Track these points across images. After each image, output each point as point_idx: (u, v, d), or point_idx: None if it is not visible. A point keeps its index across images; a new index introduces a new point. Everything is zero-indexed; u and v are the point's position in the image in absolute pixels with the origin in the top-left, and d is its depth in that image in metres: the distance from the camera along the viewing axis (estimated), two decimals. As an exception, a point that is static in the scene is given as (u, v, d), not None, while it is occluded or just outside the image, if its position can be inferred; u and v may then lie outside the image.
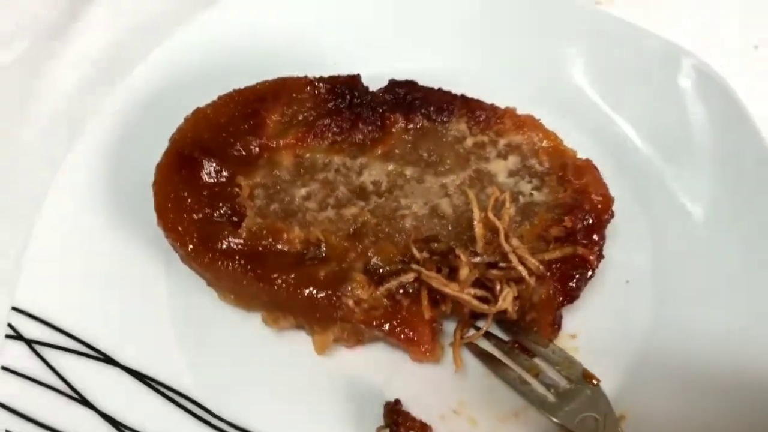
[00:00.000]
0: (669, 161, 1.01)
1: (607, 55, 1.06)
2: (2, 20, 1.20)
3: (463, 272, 0.84)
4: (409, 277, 0.83)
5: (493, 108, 0.97)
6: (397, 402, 0.83)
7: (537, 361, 0.86)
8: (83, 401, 0.83)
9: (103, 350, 0.86)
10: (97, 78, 1.14)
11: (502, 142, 0.95)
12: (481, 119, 0.97)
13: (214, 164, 0.92)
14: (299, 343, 0.88)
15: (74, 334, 0.87)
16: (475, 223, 0.87)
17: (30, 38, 1.19)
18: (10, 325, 0.85)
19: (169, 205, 0.89)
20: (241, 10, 1.12)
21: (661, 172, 1.01)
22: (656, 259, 0.95)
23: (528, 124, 0.96)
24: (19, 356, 0.84)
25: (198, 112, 0.96)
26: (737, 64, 1.12)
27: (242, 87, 0.99)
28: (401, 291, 0.84)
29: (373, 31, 1.12)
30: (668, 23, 1.15)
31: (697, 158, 1.00)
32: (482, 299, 0.84)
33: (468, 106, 0.97)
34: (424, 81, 0.99)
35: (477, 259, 0.85)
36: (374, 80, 1.00)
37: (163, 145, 0.94)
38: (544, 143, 0.95)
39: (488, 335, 0.88)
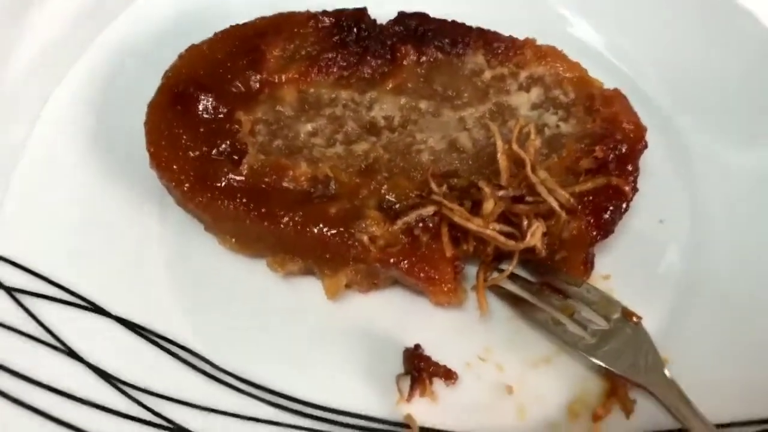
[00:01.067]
0: (699, 105, 0.94)
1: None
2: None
3: (487, 205, 0.77)
4: (429, 210, 0.76)
5: (511, 39, 0.90)
6: (418, 347, 0.76)
7: (570, 301, 0.78)
8: (69, 352, 0.75)
9: (91, 299, 0.78)
10: (83, 23, 1.06)
11: (523, 74, 0.88)
12: (499, 51, 0.90)
13: (211, 100, 0.85)
14: (308, 288, 0.81)
15: (59, 282, 0.79)
16: (499, 155, 0.79)
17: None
18: (-11, 273, 0.77)
19: (163, 143, 0.82)
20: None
21: (692, 114, 0.94)
22: (692, 198, 0.88)
23: (550, 54, 0.89)
24: (-1, 305, 0.76)
25: (193, 48, 0.89)
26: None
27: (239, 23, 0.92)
28: (420, 226, 0.76)
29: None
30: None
31: (730, 103, 0.93)
32: (508, 235, 0.77)
33: (485, 38, 0.91)
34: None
35: (502, 192, 0.78)
36: (381, 17, 0.93)
37: (156, 85, 0.87)
38: (569, 74, 0.88)
39: (514, 276, 0.81)
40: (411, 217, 0.76)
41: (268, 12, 0.93)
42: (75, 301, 0.78)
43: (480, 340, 0.78)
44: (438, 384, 0.75)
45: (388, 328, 0.79)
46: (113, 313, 0.78)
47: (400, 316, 0.80)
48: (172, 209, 0.84)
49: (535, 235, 0.76)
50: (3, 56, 1.04)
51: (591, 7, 1.01)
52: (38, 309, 0.77)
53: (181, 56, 0.89)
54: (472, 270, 0.82)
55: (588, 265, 0.80)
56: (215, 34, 0.91)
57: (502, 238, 0.76)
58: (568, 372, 0.77)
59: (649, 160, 0.86)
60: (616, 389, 0.74)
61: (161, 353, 0.77)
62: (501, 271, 0.81)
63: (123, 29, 0.98)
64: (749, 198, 0.85)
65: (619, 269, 0.83)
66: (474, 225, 0.76)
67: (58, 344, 0.75)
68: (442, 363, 0.75)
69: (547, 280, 0.80)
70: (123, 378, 0.74)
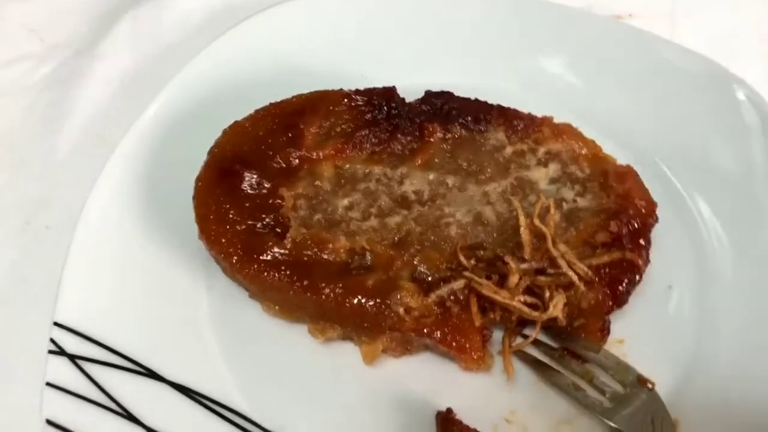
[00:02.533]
0: (702, 172, 1.01)
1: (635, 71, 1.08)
2: (33, 38, 1.20)
3: (513, 279, 0.83)
4: (460, 283, 0.83)
5: (530, 117, 0.98)
6: (450, 411, 0.82)
7: (588, 367, 0.85)
8: (129, 417, 0.81)
9: (146, 365, 0.84)
10: (128, 95, 1.13)
11: (542, 150, 0.96)
12: (519, 128, 0.97)
13: (255, 176, 0.92)
14: (346, 354, 0.87)
15: (117, 349, 0.85)
16: (522, 229, 0.86)
17: (59, 57, 1.19)
18: (52, 340, 0.83)
19: (211, 217, 0.89)
20: (268, 28, 1.13)
21: (694, 182, 1.01)
22: (698, 264, 0.94)
23: (566, 132, 0.96)
24: (62, 372, 0.82)
25: (236, 125, 0.96)
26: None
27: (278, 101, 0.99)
28: (451, 298, 0.83)
29: (399, 46, 1.12)
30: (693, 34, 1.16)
31: (729, 172, 1.00)
32: (532, 306, 0.84)
33: (505, 116, 0.98)
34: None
35: (525, 266, 0.84)
36: (408, 93, 1.00)
37: (200, 160, 0.94)
38: (584, 150, 0.95)
39: (537, 343, 0.87)
40: (443, 290, 0.83)
41: (304, 90, 1.00)
42: (131, 366, 0.84)
43: (506, 403, 0.84)
44: (469, 445, 0.81)
45: (420, 392, 0.85)
46: (167, 378, 0.84)
47: (431, 380, 0.86)
48: (219, 278, 0.91)
49: (557, 307, 0.83)
50: (54, 125, 1.12)
51: (604, 84, 1.08)
52: (98, 375, 0.83)
53: (224, 132, 0.95)
54: (497, 335, 0.88)
55: (605, 332, 0.86)
56: (256, 111, 0.98)
57: (527, 310, 0.83)
58: (588, 432, 0.83)
59: (659, 229, 0.93)
60: (633, 448, 0.81)
61: (211, 415, 0.82)
62: (525, 336, 0.87)
63: (166, 105, 1.04)
64: (754, 268, 0.92)
65: (631, 334, 0.89)
66: (501, 297, 0.82)
67: (118, 409, 0.81)
68: (472, 426, 0.81)
69: (567, 345, 0.87)
70: (179, 440, 0.80)
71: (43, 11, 1.25)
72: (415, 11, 1.14)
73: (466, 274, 0.82)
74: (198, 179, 0.92)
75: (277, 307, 0.88)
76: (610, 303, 0.85)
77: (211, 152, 0.94)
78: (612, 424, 0.79)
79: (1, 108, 1.14)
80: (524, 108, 0.99)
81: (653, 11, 1.24)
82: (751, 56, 1.17)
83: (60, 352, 0.83)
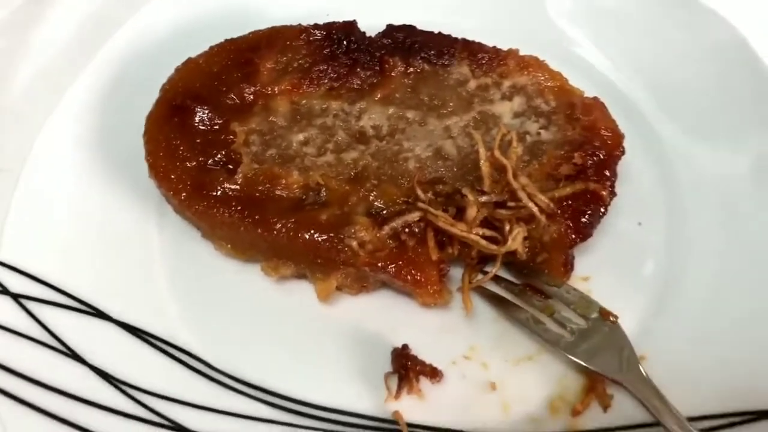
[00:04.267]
0: (674, 110, 0.98)
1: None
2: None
3: (471, 211, 0.80)
4: (415, 215, 0.80)
5: (495, 50, 0.94)
6: (405, 347, 0.79)
7: (550, 302, 0.82)
8: (73, 355, 0.78)
9: (93, 304, 0.81)
10: (84, 38, 1.09)
11: (506, 83, 0.92)
12: (483, 61, 0.93)
13: (207, 112, 0.89)
14: (301, 291, 0.85)
15: (62, 288, 0.82)
16: (482, 162, 0.83)
17: (13, 3, 1.15)
18: (-5, 279, 0.81)
19: (161, 154, 0.86)
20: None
21: (668, 120, 0.97)
22: (668, 201, 0.91)
23: (532, 64, 0.93)
24: (5, 311, 0.80)
25: (189, 61, 0.93)
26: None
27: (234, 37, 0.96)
28: (406, 231, 0.80)
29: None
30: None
31: (708, 109, 0.96)
32: (491, 239, 0.81)
33: (469, 49, 0.94)
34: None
35: (484, 198, 0.81)
36: (370, 29, 0.96)
37: (154, 98, 0.90)
38: (550, 83, 0.91)
39: (497, 279, 0.84)
40: (397, 222, 0.80)
41: (261, 26, 0.97)
42: (78, 306, 0.81)
43: (465, 340, 0.82)
44: (425, 382, 0.78)
45: (377, 328, 0.82)
46: (114, 317, 0.81)
47: (388, 317, 0.83)
48: (170, 217, 0.88)
49: (516, 240, 0.80)
50: (7, 70, 1.08)
51: (576, 17, 1.04)
52: (43, 314, 0.80)
53: (177, 69, 0.92)
54: (457, 272, 0.85)
55: (568, 266, 0.83)
56: (210, 48, 0.94)
57: (484, 243, 0.80)
58: (549, 370, 0.80)
59: (629, 166, 0.90)
60: (594, 385, 0.78)
61: (160, 355, 0.80)
62: (485, 273, 0.84)
63: (121, 44, 1.02)
64: (725, 201, 0.89)
65: (598, 271, 0.86)
66: (458, 230, 0.79)
67: (62, 348, 0.78)
68: (428, 362, 0.79)
69: (529, 281, 0.84)
70: (124, 379, 0.77)
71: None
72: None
73: (421, 205, 0.79)
74: (149, 116, 0.89)
75: (229, 246, 0.85)
76: (573, 236, 0.82)
77: (162, 89, 0.91)
78: (573, 358, 0.76)
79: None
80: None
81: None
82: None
83: (2, 291, 0.80)
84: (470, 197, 0.80)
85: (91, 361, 0.78)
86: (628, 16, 1.03)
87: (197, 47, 0.95)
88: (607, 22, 1.03)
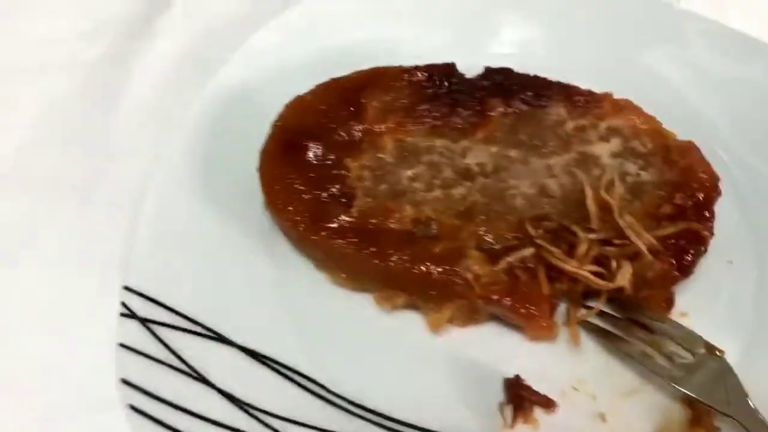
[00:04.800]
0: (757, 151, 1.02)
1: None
2: (83, 18, 1.21)
3: (581, 248, 0.84)
4: (530, 250, 0.83)
5: (590, 93, 0.99)
6: (518, 377, 0.82)
7: (655, 336, 0.85)
8: (201, 379, 0.81)
9: (215, 329, 0.85)
10: (184, 72, 1.14)
11: (603, 125, 0.96)
12: (579, 104, 0.98)
13: (319, 148, 0.93)
14: (412, 322, 0.88)
15: (186, 313, 0.85)
16: (588, 200, 0.87)
17: (111, 35, 1.20)
18: (123, 304, 0.84)
19: (278, 187, 0.90)
20: (329, 6, 1.14)
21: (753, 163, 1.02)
22: (756, 240, 0.95)
23: (627, 108, 0.97)
24: (134, 335, 0.83)
25: (299, 99, 0.97)
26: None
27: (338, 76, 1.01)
28: (520, 266, 0.84)
29: (458, 26, 1.14)
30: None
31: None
32: (599, 275, 0.84)
33: (565, 92, 0.99)
34: (513, 71, 1.01)
35: (592, 236, 0.85)
36: (466, 71, 1.01)
37: (263, 134, 0.95)
38: (645, 126, 0.96)
39: (601, 313, 0.87)
40: (513, 257, 0.83)
41: (364, 66, 1.02)
42: (201, 331, 0.85)
43: (573, 372, 0.85)
44: (538, 412, 0.81)
45: (487, 359, 0.85)
46: (236, 341, 0.84)
47: (497, 348, 0.86)
48: (283, 250, 0.92)
49: (624, 276, 0.84)
50: (109, 101, 1.13)
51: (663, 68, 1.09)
52: (168, 338, 0.83)
53: (287, 106, 0.97)
54: (562, 307, 0.88)
55: (670, 303, 0.87)
56: (317, 86, 0.99)
57: (594, 279, 0.83)
58: (655, 402, 0.83)
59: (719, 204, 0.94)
60: (700, 418, 0.81)
61: (280, 378, 0.83)
62: (589, 307, 0.88)
63: (226, 80, 1.05)
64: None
65: (695, 307, 0.89)
66: (570, 266, 0.83)
67: (189, 370, 0.82)
68: (541, 392, 0.82)
69: (632, 315, 0.87)
70: (250, 402, 0.80)
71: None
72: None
73: (537, 241, 0.83)
74: (263, 151, 0.93)
75: (344, 276, 0.89)
76: (676, 273, 0.85)
77: (274, 125, 0.95)
78: (684, 390, 0.79)
79: (54, 84, 1.14)
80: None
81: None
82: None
83: (131, 315, 0.84)
84: (581, 234, 0.84)
85: (217, 384, 0.81)
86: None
87: (300, 86, 0.99)
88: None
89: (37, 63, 1.17)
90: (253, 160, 0.93)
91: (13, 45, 1.20)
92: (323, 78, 1.01)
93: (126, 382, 0.80)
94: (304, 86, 1.00)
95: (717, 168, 0.96)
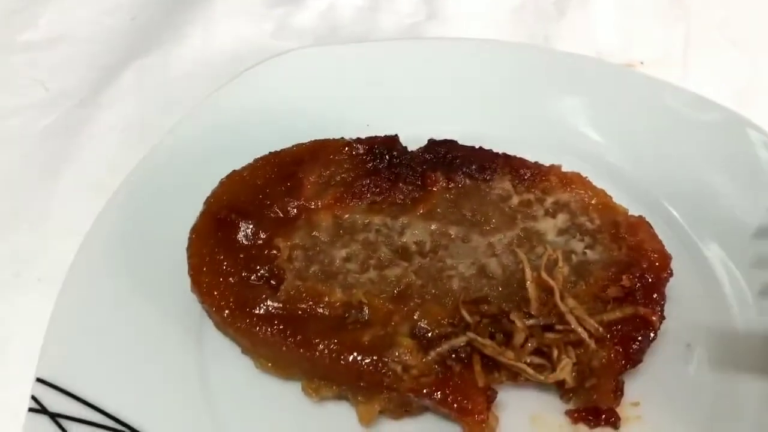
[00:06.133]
0: (718, 221, 0.97)
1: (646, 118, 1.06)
2: (35, 88, 1.20)
3: (519, 338, 0.79)
4: (461, 340, 0.78)
5: (537, 166, 0.94)
6: (451, 478, 0.76)
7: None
8: (111, 480, 0.76)
9: (132, 425, 0.80)
10: (130, 144, 1.12)
11: (549, 200, 0.92)
12: (525, 177, 0.94)
13: (251, 226, 0.89)
14: (342, 414, 0.83)
15: (101, 407, 0.81)
16: (528, 283, 0.82)
17: (64, 106, 1.18)
18: (33, 398, 0.80)
19: (205, 269, 0.86)
20: (271, 78, 1.11)
21: (710, 232, 0.97)
22: (717, 320, 0.89)
23: (575, 181, 0.93)
24: (43, 431, 0.78)
25: (234, 174, 0.94)
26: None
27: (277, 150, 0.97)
28: (452, 356, 0.78)
29: (403, 96, 1.10)
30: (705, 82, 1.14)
31: (747, 221, 0.95)
32: (539, 367, 0.79)
33: (511, 165, 0.95)
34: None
35: (532, 321, 0.80)
36: (411, 143, 0.97)
37: (197, 210, 0.91)
38: (594, 200, 0.91)
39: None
40: (444, 348, 0.78)
41: (304, 139, 0.98)
42: (117, 427, 0.80)
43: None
44: None
45: (421, 455, 0.80)
46: (153, 437, 0.79)
47: (432, 443, 0.81)
48: (211, 332, 0.87)
49: (564, 370, 0.78)
50: (51, 176, 1.10)
51: (617, 133, 1.05)
52: (81, 434, 0.79)
53: (222, 182, 0.93)
54: (504, 395, 0.82)
55: (618, 392, 0.81)
56: (255, 161, 0.96)
57: (532, 372, 0.78)
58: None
59: (674, 283, 0.88)
60: None
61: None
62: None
63: (163, 152, 1.02)
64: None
65: (648, 396, 0.84)
66: (506, 359, 0.78)
67: (100, 471, 0.77)
68: (475, 494, 0.76)
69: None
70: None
71: (49, 61, 1.25)
72: (423, 62, 1.13)
73: (469, 334, 0.78)
74: (192, 230, 0.89)
75: (270, 364, 0.84)
76: (623, 362, 0.80)
77: (207, 202, 0.92)
78: None
79: (1, 157, 1.12)
80: (531, 158, 0.95)
81: (664, 59, 1.21)
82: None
83: (41, 410, 0.79)
84: (518, 323, 0.79)
85: (129, 487, 0.76)
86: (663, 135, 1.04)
87: (240, 158, 0.96)
88: (646, 141, 1.03)
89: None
90: (184, 239, 0.89)
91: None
92: (264, 152, 0.97)
93: (26, 484, 0.74)
94: (245, 161, 0.96)
95: (675, 243, 0.91)
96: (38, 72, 1.25)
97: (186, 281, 0.86)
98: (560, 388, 0.83)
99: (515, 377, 0.81)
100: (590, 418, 0.82)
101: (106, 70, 1.24)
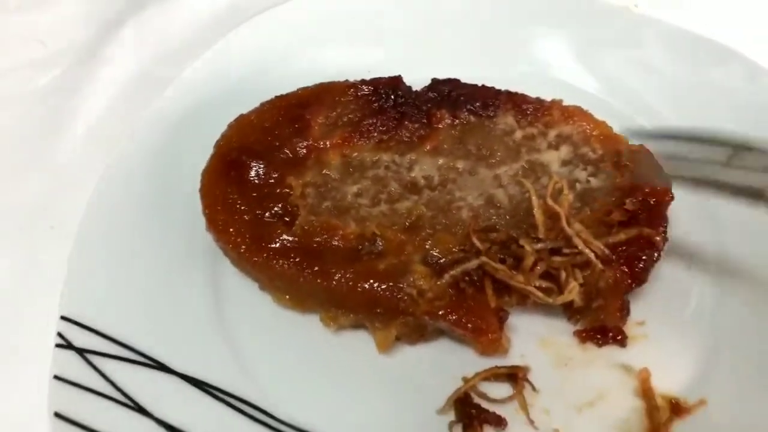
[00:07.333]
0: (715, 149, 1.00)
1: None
2: (36, 46, 1.20)
3: (528, 261, 0.81)
4: (473, 263, 0.81)
5: (539, 101, 0.97)
6: (468, 395, 0.79)
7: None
8: (139, 409, 0.79)
9: (155, 357, 0.82)
10: (133, 97, 1.13)
11: (552, 133, 0.94)
12: (528, 112, 0.96)
13: (262, 166, 0.91)
14: (360, 341, 0.85)
15: (125, 342, 0.83)
16: (535, 210, 0.85)
17: (65, 62, 1.19)
18: (59, 334, 0.82)
19: (219, 208, 0.88)
20: (273, 26, 1.13)
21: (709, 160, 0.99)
22: (715, 243, 0.92)
23: (576, 114, 0.95)
24: (70, 365, 0.80)
25: (242, 118, 0.96)
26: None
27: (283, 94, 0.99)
28: (465, 279, 0.81)
29: (404, 40, 1.12)
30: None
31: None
32: (547, 290, 0.82)
33: (513, 100, 0.97)
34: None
35: (540, 245, 0.82)
36: (414, 85, 0.99)
37: (207, 154, 0.93)
38: (595, 132, 0.94)
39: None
40: (457, 271, 0.81)
41: (309, 83, 1.00)
42: (140, 359, 0.82)
43: (526, 388, 0.82)
44: (488, 430, 0.78)
45: (436, 377, 0.82)
46: (176, 369, 0.82)
47: (447, 365, 0.83)
48: (227, 270, 0.89)
49: (572, 292, 0.81)
50: (58, 130, 1.11)
51: (612, 69, 1.08)
52: (107, 368, 0.81)
53: (230, 126, 0.95)
54: (515, 319, 0.85)
55: (624, 311, 0.84)
56: (262, 104, 0.97)
57: (541, 294, 0.81)
58: (611, 416, 0.80)
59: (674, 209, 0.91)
60: (657, 430, 0.78)
61: (221, 405, 0.80)
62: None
63: (170, 101, 1.04)
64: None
65: (652, 315, 0.87)
66: (517, 282, 0.80)
67: (127, 400, 0.79)
68: (491, 410, 0.79)
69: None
70: (188, 431, 0.77)
71: (47, 19, 1.25)
72: (420, 7, 1.14)
73: (482, 258, 0.81)
74: (204, 171, 0.91)
75: (287, 297, 0.86)
76: (629, 281, 0.82)
77: (217, 145, 0.93)
78: None
79: (5, 114, 1.13)
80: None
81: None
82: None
83: (67, 345, 0.81)
84: (527, 247, 0.82)
85: (156, 414, 0.78)
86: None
87: (245, 104, 0.97)
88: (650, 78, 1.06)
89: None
90: (197, 182, 0.91)
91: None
92: (269, 96, 0.99)
93: (60, 415, 0.76)
94: (249, 105, 0.98)
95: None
96: (36, 31, 1.24)
97: (199, 222, 0.88)
98: (567, 310, 0.86)
99: (524, 300, 0.84)
100: (598, 337, 0.85)
101: (104, 26, 1.24)
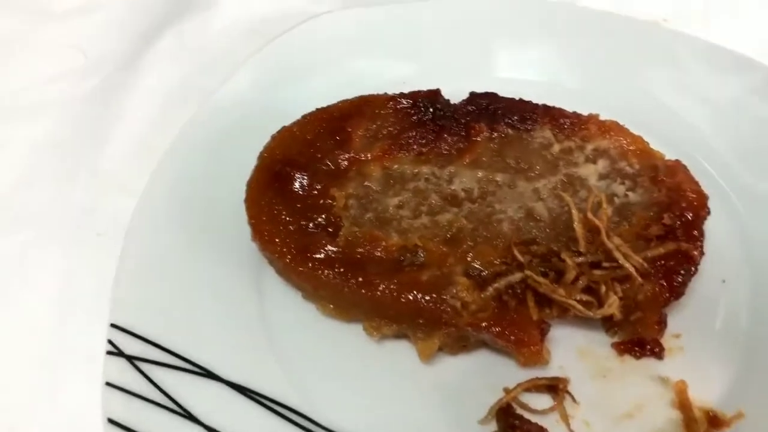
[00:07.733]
0: (749, 167, 1.02)
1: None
2: (75, 55, 1.23)
3: (570, 275, 0.83)
4: (517, 276, 0.83)
5: (576, 115, 0.98)
6: (510, 406, 0.81)
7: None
8: (188, 416, 0.80)
9: (202, 365, 0.84)
10: (173, 106, 1.15)
11: (589, 147, 0.96)
12: (565, 126, 0.98)
13: (305, 178, 0.93)
14: (402, 351, 0.87)
15: (173, 349, 0.85)
16: (575, 223, 0.86)
17: (103, 71, 1.21)
18: (110, 342, 0.84)
19: (264, 219, 0.89)
20: (312, 38, 1.15)
21: (741, 176, 1.01)
22: (749, 258, 0.94)
23: (613, 128, 0.97)
24: (121, 372, 0.82)
25: (285, 130, 0.98)
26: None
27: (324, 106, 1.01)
28: (508, 292, 0.83)
29: (441, 54, 1.14)
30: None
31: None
32: (587, 304, 0.83)
33: (551, 114, 0.98)
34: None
35: (580, 259, 0.84)
36: (451, 98, 1.01)
37: (248, 166, 0.95)
38: (632, 146, 0.95)
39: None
40: (501, 284, 0.83)
41: (347, 95, 1.02)
42: (188, 367, 0.84)
43: (565, 398, 0.84)
44: (530, 440, 0.80)
45: (478, 387, 0.84)
46: (224, 377, 0.84)
47: (488, 376, 0.85)
48: (271, 281, 0.91)
49: (612, 306, 0.82)
50: (102, 136, 1.13)
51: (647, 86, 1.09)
52: (156, 375, 0.83)
53: (274, 137, 0.97)
54: (556, 331, 0.87)
55: (661, 324, 0.86)
56: (303, 117, 0.99)
57: (582, 308, 0.83)
58: (649, 427, 0.81)
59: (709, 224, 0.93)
60: (695, 441, 0.80)
61: (269, 413, 0.82)
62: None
63: (215, 110, 1.06)
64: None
65: (688, 329, 0.88)
66: (559, 296, 0.82)
67: (176, 407, 0.81)
68: (532, 420, 0.80)
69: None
70: (238, 438, 0.79)
71: (87, 29, 1.28)
72: (451, 20, 1.16)
73: (526, 272, 0.82)
74: (249, 182, 0.93)
75: (331, 306, 0.88)
76: (667, 295, 0.84)
77: (261, 156, 0.95)
78: None
79: (47, 121, 1.16)
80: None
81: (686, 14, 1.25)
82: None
83: (118, 353, 0.84)
84: (569, 261, 0.83)
85: (204, 421, 0.80)
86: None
87: (286, 116, 0.99)
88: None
89: (33, 101, 1.18)
90: (240, 193, 0.93)
91: (9, 85, 1.20)
92: (310, 109, 1.01)
93: (112, 421, 0.79)
94: (291, 118, 1.00)
95: (707, 186, 0.95)
96: (76, 39, 1.27)
97: (244, 232, 0.90)
98: (606, 323, 0.88)
99: (564, 313, 0.85)
100: (636, 349, 0.86)
101: (144, 36, 1.26)
